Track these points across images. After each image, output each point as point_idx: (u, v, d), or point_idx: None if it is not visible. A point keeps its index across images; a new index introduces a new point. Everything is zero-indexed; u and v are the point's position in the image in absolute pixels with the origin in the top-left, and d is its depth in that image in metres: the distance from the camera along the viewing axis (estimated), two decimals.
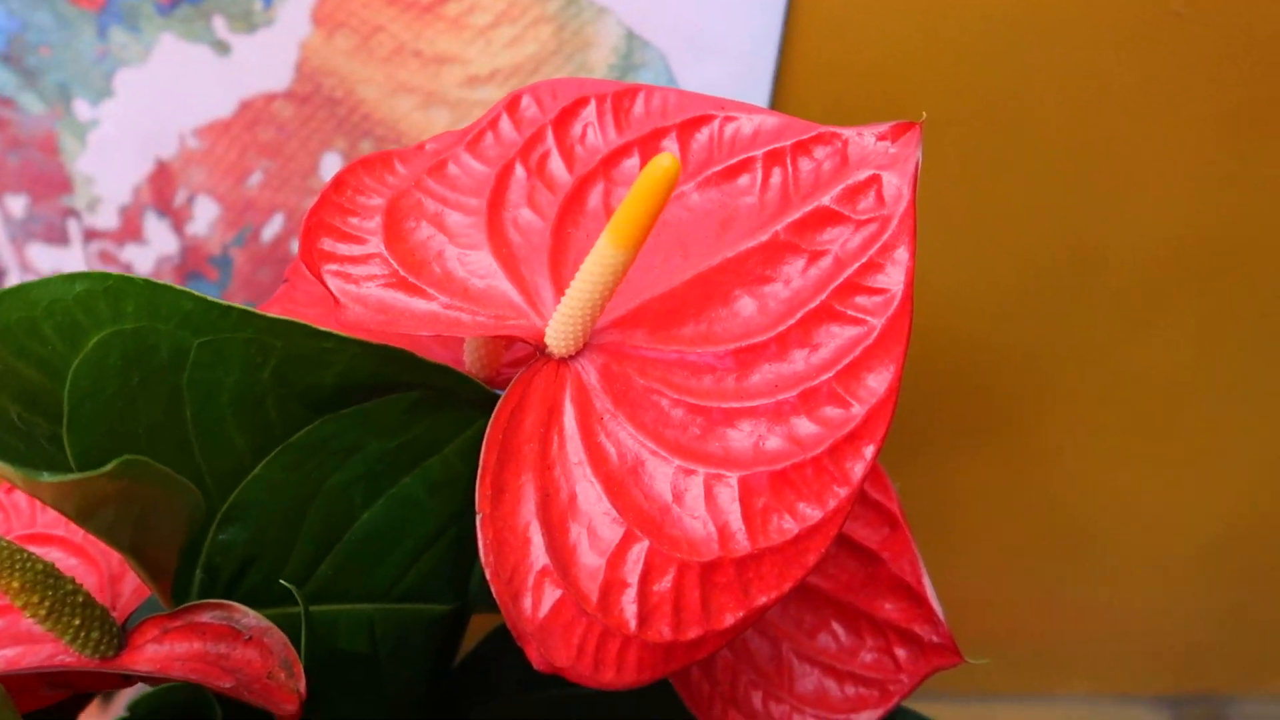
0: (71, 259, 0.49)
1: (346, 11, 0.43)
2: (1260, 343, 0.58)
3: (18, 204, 0.48)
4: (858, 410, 0.25)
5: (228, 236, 0.49)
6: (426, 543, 0.30)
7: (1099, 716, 0.79)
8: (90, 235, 0.49)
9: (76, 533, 0.27)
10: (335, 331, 0.24)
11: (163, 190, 0.48)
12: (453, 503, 0.30)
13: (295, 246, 0.50)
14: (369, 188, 0.26)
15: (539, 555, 0.23)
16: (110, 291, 0.22)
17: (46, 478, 0.17)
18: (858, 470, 0.25)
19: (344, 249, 0.25)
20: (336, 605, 0.29)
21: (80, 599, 0.24)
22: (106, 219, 0.48)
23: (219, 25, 0.43)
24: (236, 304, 0.23)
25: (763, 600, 0.24)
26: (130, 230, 0.49)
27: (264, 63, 0.44)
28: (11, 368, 0.20)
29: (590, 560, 0.23)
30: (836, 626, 0.32)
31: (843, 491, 0.25)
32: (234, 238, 0.49)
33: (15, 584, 0.22)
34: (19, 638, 0.25)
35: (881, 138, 0.27)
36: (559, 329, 0.24)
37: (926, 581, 0.31)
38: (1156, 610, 0.74)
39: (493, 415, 0.23)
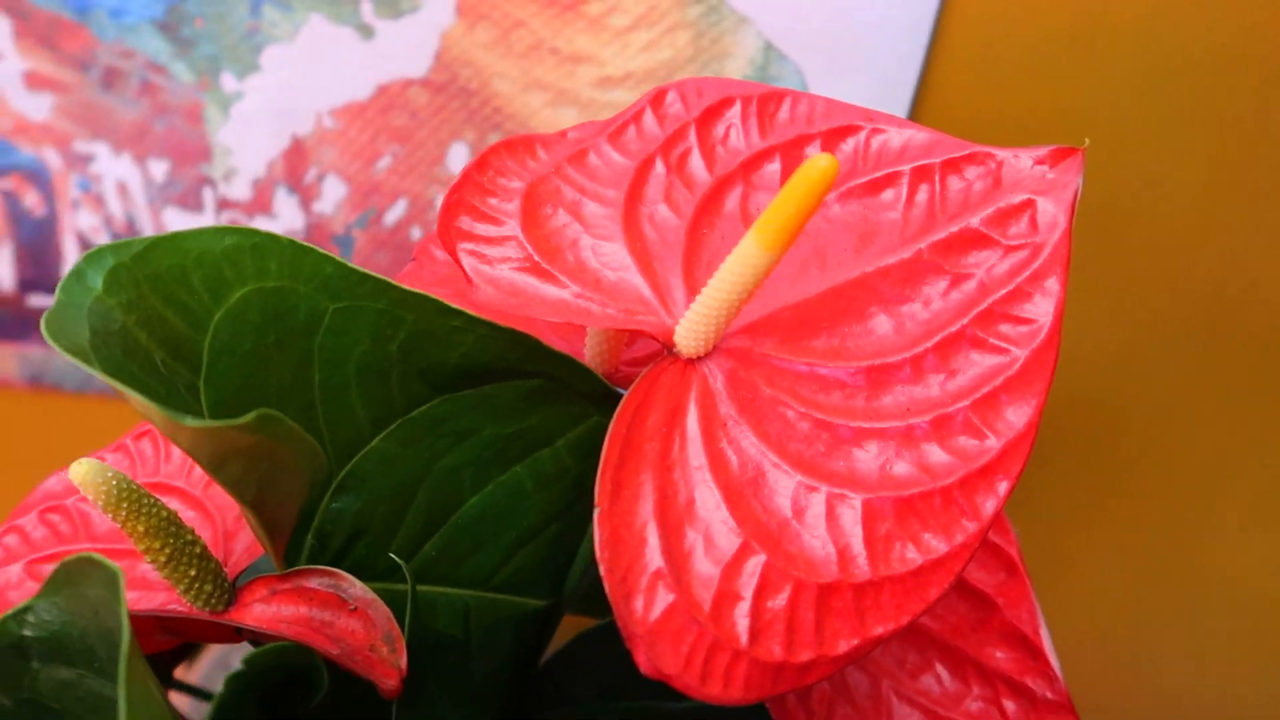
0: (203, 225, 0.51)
1: (490, 4, 0.44)
2: None
3: (159, 168, 0.49)
4: (993, 443, 0.24)
5: (351, 217, 0.50)
6: (528, 535, 0.30)
7: None
8: (223, 204, 0.50)
9: (196, 486, 0.27)
10: (466, 310, 0.24)
11: (295, 167, 0.49)
12: (558, 498, 0.30)
13: (416, 233, 0.51)
14: (510, 170, 0.26)
15: (654, 557, 0.22)
16: (256, 248, 0.22)
17: (189, 421, 0.17)
18: (989, 507, 0.24)
19: (481, 229, 0.25)
20: (436, 587, 0.29)
21: (198, 550, 0.24)
22: (240, 190, 0.50)
23: (366, 9, 0.44)
24: (374, 273, 0.23)
25: (879, 631, 0.23)
26: (261, 203, 0.50)
27: (405, 49, 0.45)
28: (159, 314, 0.21)
29: (705, 568, 0.22)
30: (941, 670, 0.31)
31: (971, 526, 0.24)
32: (357, 219, 0.50)
33: (140, 528, 0.22)
34: (135, 583, 0.26)
35: (1040, 161, 0.26)
36: (691, 328, 0.24)
37: (1044, 633, 0.30)
38: (1250, 701, 0.70)
39: (617, 410, 0.23)
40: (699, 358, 0.25)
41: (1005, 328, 0.25)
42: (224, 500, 0.28)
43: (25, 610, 0.19)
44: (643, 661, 0.22)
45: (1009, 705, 0.30)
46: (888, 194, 0.27)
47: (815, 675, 0.23)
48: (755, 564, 0.23)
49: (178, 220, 0.51)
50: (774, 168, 0.27)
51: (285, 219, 0.51)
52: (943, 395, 0.25)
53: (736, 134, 0.28)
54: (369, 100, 0.47)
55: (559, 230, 0.25)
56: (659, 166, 0.27)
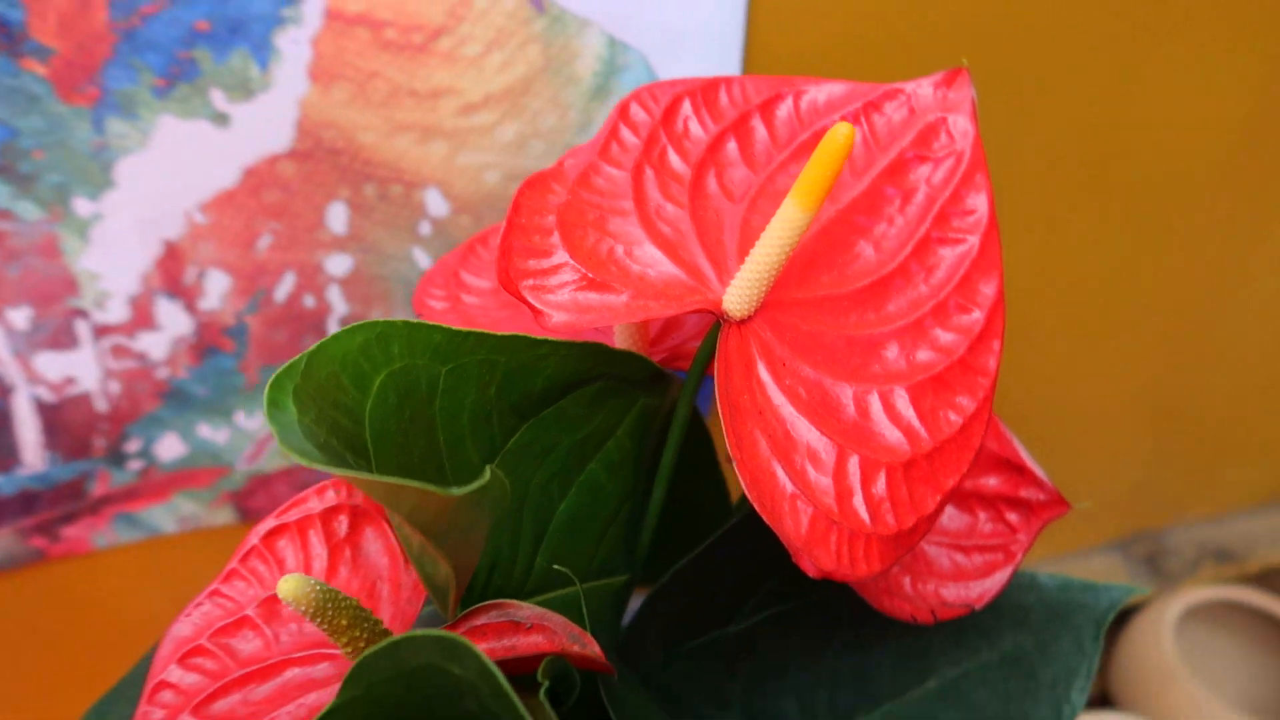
0: (82, 360, 0.49)
1: (342, 63, 0.45)
2: (1152, 245, 0.67)
3: (20, 316, 0.47)
4: (979, 315, 0.30)
5: (241, 305, 0.50)
6: (609, 522, 0.33)
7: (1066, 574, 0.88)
8: (101, 332, 0.48)
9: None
10: (548, 337, 0.27)
11: (172, 272, 0.48)
12: (626, 480, 0.33)
13: (309, 301, 0.51)
14: (539, 207, 0.28)
15: (785, 484, 0.26)
16: (381, 337, 0.24)
17: (455, 491, 0.19)
18: (992, 363, 0.30)
19: (534, 264, 0.28)
20: (555, 592, 0.32)
21: (380, 629, 0.26)
22: (116, 312, 0.48)
23: (217, 98, 0.44)
24: (474, 329, 0.25)
25: (951, 483, 0.29)
26: (142, 319, 0.49)
27: (264, 127, 0.45)
28: (329, 416, 0.22)
29: (821, 480, 0.27)
30: (951, 510, 0.37)
31: (985, 382, 0.30)
32: (247, 305, 0.50)
33: (343, 621, 0.24)
34: (311, 684, 0.27)
35: (938, 85, 0.32)
36: (741, 293, 0.28)
37: (1023, 452, 0.37)
38: (1096, 467, 0.84)
39: (716, 380, 0.27)
40: (748, 319, 0.29)
41: (957, 222, 0.31)
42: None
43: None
44: (807, 566, 0.26)
45: (1012, 517, 0.37)
46: None
47: (920, 534, 0.28)
48: (854, 463, 0.28)
49: (52, 363, 0.48)
50: (732, 146, 0.32)
51: (171, 327, 0.49)
52: (931, 289, 0.30)
53: (695, 125, 0.32)
54: (237, 186, 0.46)
55: (595, 246, 0.29)
56: (648, 171, 0.30)
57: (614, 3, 0.46)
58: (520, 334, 0.26)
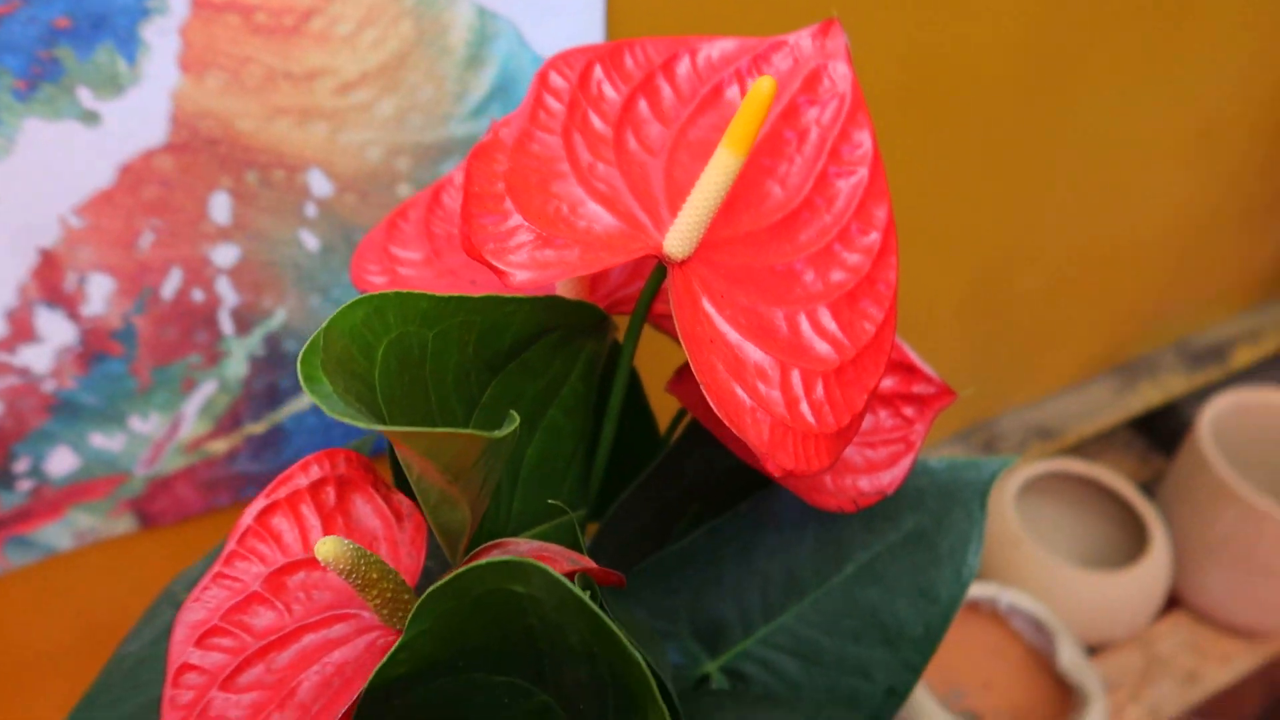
0: None
1: (214, 51, 0.44)
2: (960, 154, 0.74)
3: None
4: (875, 236, 0.35)
5: (127, 306, 0.49)
6: (568, 461, 0.36)
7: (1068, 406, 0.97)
8: None
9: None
10: (515, 294, 0.29)
11: (50, 280, 0.46)
12: (580, 422, 0.36)
13: (198, 295, 0.50)
14: (489, 177, 0.30)
15: (745, 400, 0.30)
16: (378, 309, 0.25)
17: (499, 432, 0.22)
18: (892, 276, 0.35)
19: (492, 228, 0.30)
20: (531, 532, 0.34)
21: (400, 581, 0.28)
22: None
23: (84, 96, 0.42)
24: (455, 294, 0.27)
25: (874, 382, 0.33)
26: (21, 332, 0.47)
27: (137, 122, 0.44)
28: (349, 384, 0.23)
29: (772, 393, 0.31)
30: None
31: (888, 292, 0.34)
32: (133, 305, 0.49)
33: (374, 574, 0.26)
34: (333, 643, 0.28)
35: (815, 36, 0.36)
36: (681, 236, 0.31)
37: (911, 352, 0.42)
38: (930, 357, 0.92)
39: (676, 318, 0.30)
40: (686, 260, 0.32)
41: (847, 156, 0.35)
42: None
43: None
44: (773, 468, 0.30)
45: (908, 411, 0.42)
46: (730, 92, 0.35)
47: (855, 429, 0.33)
48: (795, 375, 0.32)
49: None
50: (643, 105, 0.35)
51: (55, 338, 0.47)
52: (834, 218, 0.35)
53: (608, 88, 0.34)
54: (114, 185, 0.45)
55: (543, 207, 0.31)
56: (575, 134, 0.33)
57: None
58: (493, 294, 0.28)
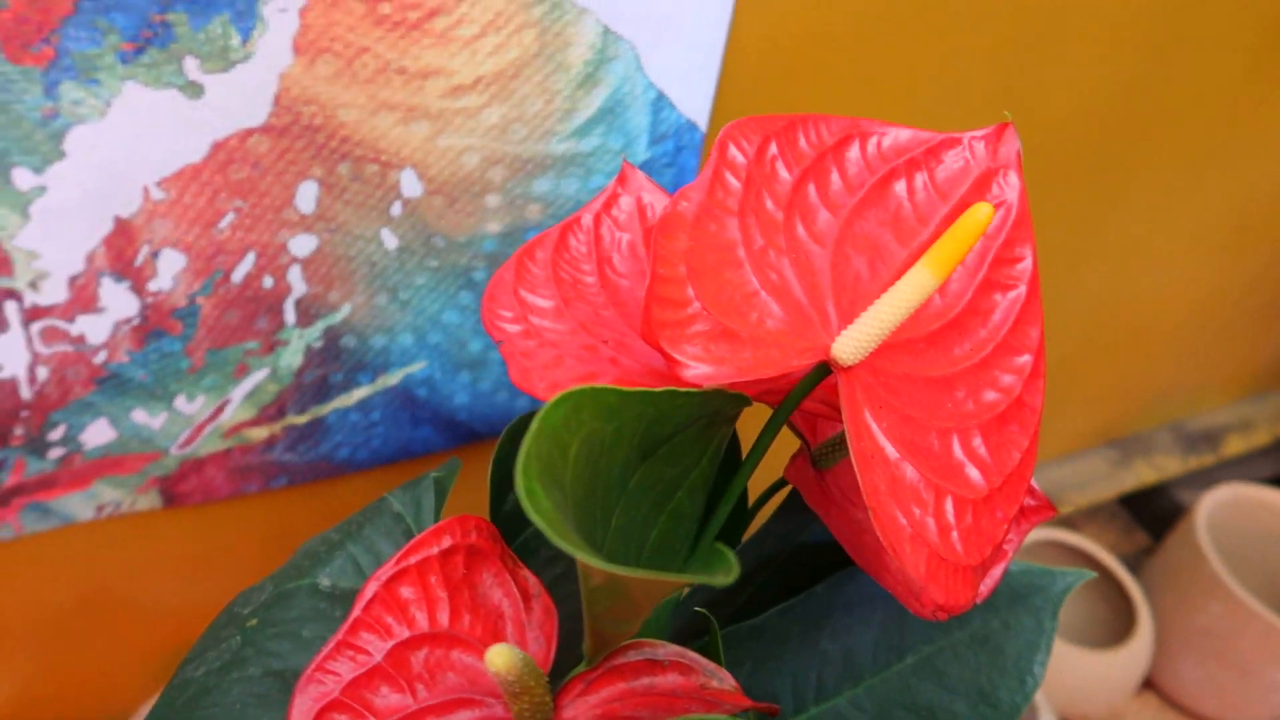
0: (7, 345, 0.43)
1: (330, 37, 0.41)
2: None
3: None
4: (1028, 359, 0.34)
5: (194, 286, 0.46)
6: (684, 543, 0.35)
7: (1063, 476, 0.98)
8: (33, 315, 0.43)
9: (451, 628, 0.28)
10: (688, 388, 0.28)
11: (122, 251, 0.43)
12: (699, 504, 0.34)
13: (268, 282, 0.47)
14: (671, 255, 0.28)
15: (905, 526, 0.29)
16: (575, 407, 0.23)
17: (722, 580, 0.20)
18: (1038, 404, 0.34)
19: (671, 315, 0.28)
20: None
21: (547, 694, 0.26)
22: (53, 294, 0.43)
23: (191, 67, 0.40)
24: (637, 389, 0.26)
25: (1013, 512, 0.32)
26: (83, 301, 0.44)
27: (239, 99, 0.41)
28: (550, 494, 0.22)
29: (927, 519, 0.30)
30: None
31: (1034, 418, 0.33)
32: (201, 286, 0.46)
33: (531, 682, 0.24)
34: None
35: (988, 139, 0.35)
36: (857, 344, 0.29)
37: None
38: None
39: (848, 430, 0.28)
40: (853, 366, 0.30)
41: (1008, 270, 0.34)
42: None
43: None
44: (928, 603, 0.29)
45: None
46: (898, 187, 0.34)
47: (997, 561, 0.32)
48: (948, 502, 0.30)
49: None
50: (812, 190, 0.33)
51: (115, 309, 0.45)
52: (989, 333, 0.33)
53: (781, 168, 0.32)
54: (204, 161, 0.42)
55: (718, 294, 0.29)
56: (750, 217, 0.31)
57: None
58: (671, 387, 0.27)
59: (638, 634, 0.30)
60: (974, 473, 0.31)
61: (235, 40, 0.40)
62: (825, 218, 0.33)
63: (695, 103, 0.51)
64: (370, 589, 0.28)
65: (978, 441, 0.32)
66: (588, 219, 0.39)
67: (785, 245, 0.31)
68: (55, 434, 0.48)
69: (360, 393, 0.55)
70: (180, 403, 0.50)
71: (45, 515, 0.51)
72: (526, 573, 0.30)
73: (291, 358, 0.51)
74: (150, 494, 0.53)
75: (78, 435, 0.48)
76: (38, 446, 0.48)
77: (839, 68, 0.54)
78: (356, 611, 0.27)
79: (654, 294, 0.28)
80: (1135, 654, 0.89)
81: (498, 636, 0.29)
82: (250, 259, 0.46)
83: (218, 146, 0.42)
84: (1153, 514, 1.15)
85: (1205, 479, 1.17)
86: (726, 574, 0.21)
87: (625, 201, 0.39)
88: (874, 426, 0.30)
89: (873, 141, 0.34)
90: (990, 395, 0.33)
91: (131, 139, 0.40)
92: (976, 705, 0.43)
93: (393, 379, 0.56)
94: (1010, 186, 0.34)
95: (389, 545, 0.40)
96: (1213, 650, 0.91)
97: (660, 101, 0.50)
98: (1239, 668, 0.90)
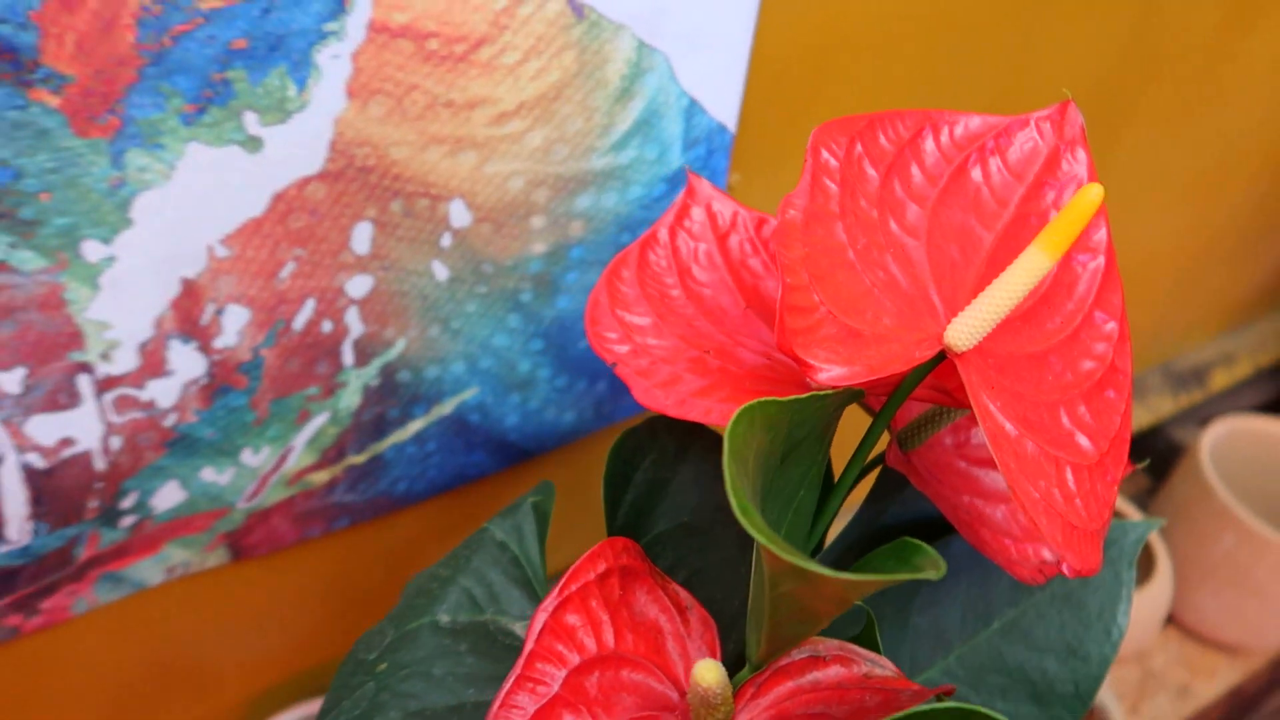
0: (82, 418, 0.43)
1: (382, 78, 0.42)
2: None
3: (12, 379, 0.40)
4: (1114, 325, 0.35)
5: (258, 339, 0.46)
6: (806, 536, 0.36)
7: None
8: (105, 385, 0.43)
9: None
10: (830, 390, 0.29)
11: (189, 312, 0.43)
12: (814, 497, 0.36)
13: (327, 326, 0.48)
14: (793, 263, 0.29)
15: (1037, 498, 0.30)
16: (750, 422, 0.24)
17: (934, 575, 0.21)
18: (1128, 366, 0.35)
19: (801, 322, 0.29)
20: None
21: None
22: (125, 363, 0.43)
23: (250, 121, 0.40)
24: (788, 397, 0.27)
25: (1121, 475, 0.34)
26: (152, 366, 0.43)
27: (298, 149, 0.41)
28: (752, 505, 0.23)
29: (1053, 490, 0.31)
30: None
31: (1126, 381, 0.35)
32: (264, 338, 0.46)
33: (729, 694, 0.25)
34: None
35: (1053, 117, 0.36)
36: (972, 329, 0.31)
37: None
38: None
39: (977, 413, 0.30)
40: (967, 351, 0.32)
41: (1086, 241, 0.35)
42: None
43: None
44: (1067, 569, 0.30)
45: None
46: (975, 173, 0.35)
47: (1106, 522, 0.33)
48: (1069, 472, 0.32)
49: (44, 426, 0.42)
50: (898, 185, 0.34)
51: (183, 371, 0.44)
52: (1076, 304, 0.35)
53: (869, 167, 0.34)
54: (265, 214, 0.42)
55: (836, 295, 0.30)
56: (851, 218, 0.32)
57: (645, 5, 0.46)
58: (813, 392, 0.28)
59: None
60: (1084, 440, 0.33)
61: (292, 91, 0.40)
62: (914, 211, 0.34)
63: (724, 106, 0.52)
64: (539, 620, 0.28)
65: (1082, 410, 0.33)
66: (664, 233, 0.39)
67: (885, 242, 0.33)
68: (127, 502, 0.47)
69: (416, 425, 0.55)
70: (246, 456, 0.50)
71: (118, 584, 0.51)
72: (675, 586, 0.31)
73: (350, 399, 0.51)
74: (218, 551, 0.53)
75: (149, 500, 0.48)
76: (110, 517, 0.47)
77: (859, 62, 0.56)
78: (530, 644, 0.28)
79: (786, 303, 0.28)
80: (1157, 593, 0.92)
81: (660, 651, 0.30)
82: (310, 306, 0.46)
83: (278, 198, 0.42)
84: (1151, 455, 1.18)
85: (1195, 416, 1.21)
86: (936, 570, 0.22)
87: (696, 212, 0.40)
88: (992, 406, 0.31)
89: (945, 132, 0.35)
90: (1086, 364, 0.34)
91: (195, 199, 0.40)
92: (1066, 660, 0.45)
93: (446, 408, 0.56)
94: (1079, 162, 0.36)
95: (498, 574, 0.40)
96: (1229, 580, 0.95)
97: (692, 108, 0.51)
98: (1256, 594, 0.94)
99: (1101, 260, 0.35)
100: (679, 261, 0.39)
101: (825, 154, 0.33)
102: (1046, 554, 0.41)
